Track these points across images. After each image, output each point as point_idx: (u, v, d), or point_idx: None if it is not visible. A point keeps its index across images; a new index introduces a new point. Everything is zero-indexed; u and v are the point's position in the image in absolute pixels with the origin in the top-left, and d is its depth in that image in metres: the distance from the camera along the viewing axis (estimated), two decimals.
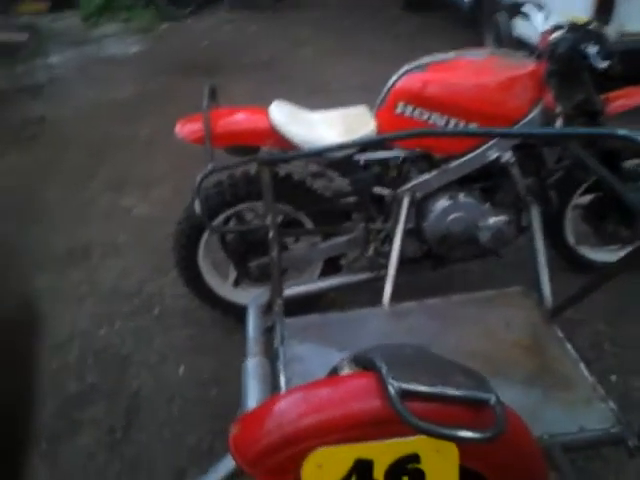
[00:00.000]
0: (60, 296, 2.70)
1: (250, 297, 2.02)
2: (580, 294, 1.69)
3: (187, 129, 2.01)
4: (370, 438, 1.04)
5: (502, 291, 2.00)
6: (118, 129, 4.32)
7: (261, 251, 2.15)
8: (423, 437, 1.02)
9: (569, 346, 1.73)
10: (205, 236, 2.21)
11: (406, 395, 1.03)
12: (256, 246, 2.16)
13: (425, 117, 1.97)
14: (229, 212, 2.16)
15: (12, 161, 4.03)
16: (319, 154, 1.94)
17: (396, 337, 1.84)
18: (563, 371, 1.68)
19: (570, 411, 1.54)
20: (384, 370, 1.07)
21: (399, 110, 1.99)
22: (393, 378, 1.05)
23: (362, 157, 2.04)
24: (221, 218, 2.16)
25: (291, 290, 2.07)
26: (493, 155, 2.00)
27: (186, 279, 2.30)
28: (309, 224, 2.21)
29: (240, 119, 2.05)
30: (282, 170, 2.10)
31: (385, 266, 2.08)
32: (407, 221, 2.08)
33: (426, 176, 2.05)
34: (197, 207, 1.89)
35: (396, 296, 1.95)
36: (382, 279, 2.04)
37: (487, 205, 2.08)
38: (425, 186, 2.06)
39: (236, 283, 2.38)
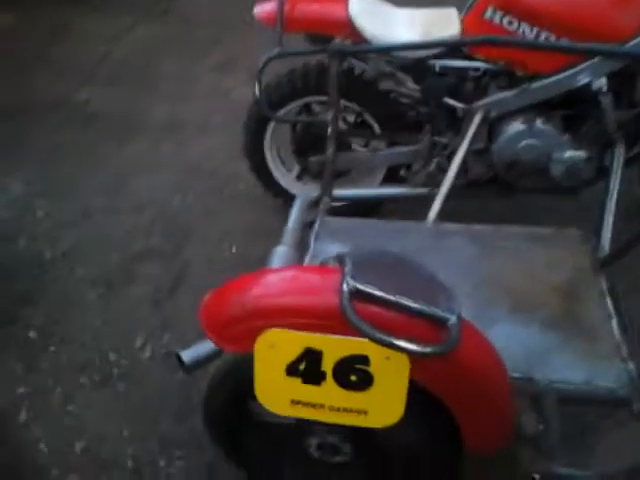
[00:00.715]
0: (147, 164, 2.89)
1: None
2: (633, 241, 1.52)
3: (263, 11, 1.98)
4: (321, 331, 1.05)
5: (558, 230, 1.84)
6: (240, 15, 4.33)
7: (323, 147, 2.13)
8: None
9: (609, 300, 1.58)
10: (272, 124, 2.22)
11: (359, 295, 1.02)
12: (319, 141, 2.13)
13: (514, 27, 1.78)
14: (299, 102, 2.14)
15: (139, 33, 4.22)
16: (390, 50, 1.84)
17: (429, 255, 1.75)
18: (592, 323, 1.54)
19: (582, 362, 1.43)
20: (347, 268, 1.06)
21: (487, 15, 1.81)
22: (352, 277, 1.03)
23: (438, 63, 1.91)
24: (290, 107, 2.15)
25: (341, 191, 2.05)
26: (584, 80, 1.78)
27: (252, 165, 2.36)
28: (377, 129, 2.15)
29: (317, 6, 1.98)
30: (355, 67, 2.02)
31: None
32: (476, 140, 1.95)
33: (505, 94, 1.88)
34: (257, 90, 1.88)
35: (450, 218, 1.86)
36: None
37: (566, 136, 1.89)
38: (502, 104, 1.90)
39: (299, 177, 2.39)
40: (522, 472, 1.23)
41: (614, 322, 1.52)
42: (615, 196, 1.75)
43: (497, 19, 1.79)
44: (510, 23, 1.78)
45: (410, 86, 1.99)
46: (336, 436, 1.30)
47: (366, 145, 2.32)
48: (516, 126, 1.90)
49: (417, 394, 1.11)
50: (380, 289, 1.03)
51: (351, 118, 2.26)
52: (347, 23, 1.87)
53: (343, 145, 2.19)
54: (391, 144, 2.16)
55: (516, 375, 1.36)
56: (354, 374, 1.08)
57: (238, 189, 2.69)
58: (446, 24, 1.90)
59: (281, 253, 1.76)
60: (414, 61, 1.90)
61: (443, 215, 1.89)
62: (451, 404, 1.13)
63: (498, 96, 1.88)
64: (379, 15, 1.92)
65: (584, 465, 1.23)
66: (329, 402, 1.12)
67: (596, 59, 1.74)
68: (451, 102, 1.96)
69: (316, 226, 1.89)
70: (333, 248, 1.85)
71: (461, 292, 1.55)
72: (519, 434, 1.24)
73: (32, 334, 2.05)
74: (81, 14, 4.44)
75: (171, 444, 1.68)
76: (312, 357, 1.08)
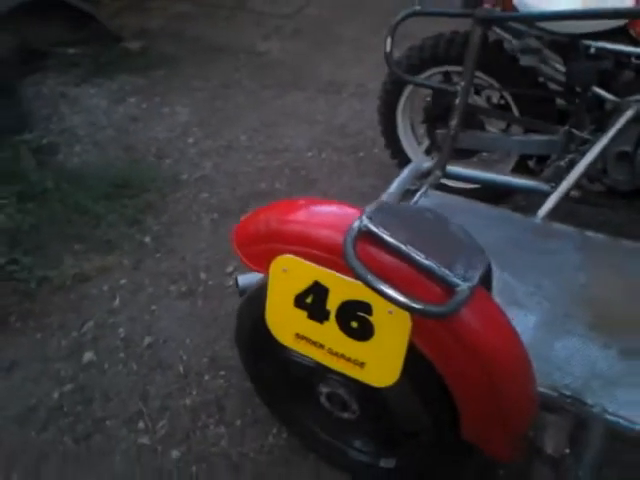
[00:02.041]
0: (298, 115, 2.99)
1: None
2: None
3: None
4: (331, 267, 1.02)
5: None
6: None
7: None
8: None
9: None
10: (408, 90, 2.16)
11: (369, 237, 0.96)
12: (449, 113, 2.02)
13: None
14: (439, 69, 2.05)
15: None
16: (541, 20, 1.67)
17: (526, 251, 1.62)
18: None
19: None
20: (368, 209, 1.00)
21: None
22: (368, 217, 0.98)
23: (594, 44, 1.68)
24: (431, 73, 2.07)
25: (455, 168, 1.93)
26: None
27: (383, 129, 2.33)
28: (516, 112, 1.97)
29: None
30: (503, 40, 1.87)
31: (577, 187, 1.79)
32: (622, 141, 1.71)
33: None
34: (387, 46, 1.83)
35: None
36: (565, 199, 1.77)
37: None
38: None
39: (427, 151, 2.30)
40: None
41: None
42: None
43: None
44: None
45: (557, 67, 1.78)
46: (346, 391, 1.26)
47: (504, 131, 2.15)
48: None
49: (420, 362, 1.03)
50: (394, 237, 0.96)
51: (495, 99, 2.10)
52: None
53: (476, 123, 2.06)
54: (528, 131, 1.97)
55: (567, 393, 1.20)
56: (356, 321, 1.03)
57: (372, 152, 2.68)
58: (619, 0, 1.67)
59: None
60: (567, 38, 1.70)
61: (563, 217, 1.69)
62: (450, 380, 1.02)
63: None
64: None
65: None
66: (329, 344, 1.09)
67: None
68: (601, 92, 1.72)
69: (417, 195, 1.81)
70: None
71: (544, 295, 1.41)
72: (538, 450, 1.09)
73: (147, 239, 2.26)
74: None
75: (219, 363, 1.76)
76: (319, 292, 1.05)
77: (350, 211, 1.05)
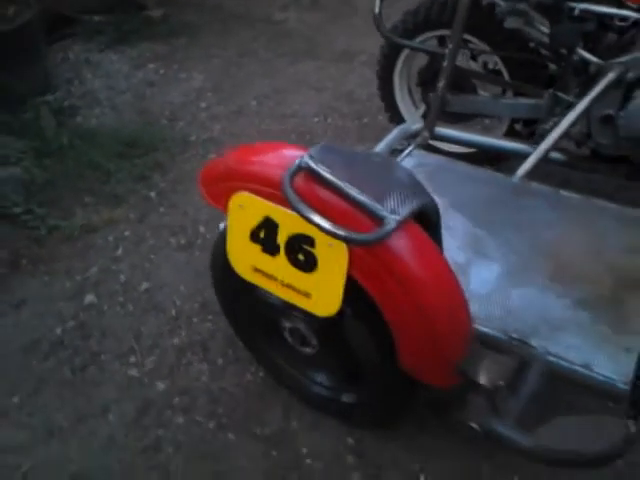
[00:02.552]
0: (309, 82, 3.06)
1: None
2: None
3: None
4: (278, 202, 1.10)
5: None
6: None
7: None
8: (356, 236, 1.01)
9: None
10: (405, 53, 2.20)
11: (309, 174, 1.05)
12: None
13: None
14: (434, 33, 2.08)
15: None
16: None
17: (503, 208, 1.67)
18: (630, 316, 1.33)
19: (593, 347, 1.26)
20: (312, 149, 1.08)
21: None
22: (310, 156, 1.06)
23: (579, 6, 1.70)
24: (425, 37, 2.10)
25: (442, 130, 1.98)
26: None
27: (381, 94, 2.38)
28: (506, 76, 2.00)
29: None
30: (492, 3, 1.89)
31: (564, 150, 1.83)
32: (605, 104, 1.72)
33: None
34: (376, 8, 1.88)
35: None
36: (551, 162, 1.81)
37: None
38: None
39: (424, 116, 2.34)
40: (461, 417, 1.15)
41: None
42: None
43: None
44: None
45: (543, 30, 1.80)
46: (306, 326, 1.35)
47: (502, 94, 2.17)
48: None
49: (360, 293, 1.11)
50: (332, 173, 1.04)
51: (491, 64, 2.13)
52: None
53: (469, 87, 2.09)
54: (518, 95, 2.00)
55: (514, 336, 1.28)
56: (302, 253, 1.12)
57: (377, 118, 2.73)
58: None
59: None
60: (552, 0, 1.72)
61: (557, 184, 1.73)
62: (384, 309, 1.10)
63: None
64: None
65: (527, 432, 1.11)
66: (281, 276, 1.18)
67: None
68: (585, 54, 1.74)
69: (403, 154, 1.87)
70: None
71: (511, 248, 1.47)
72: (474, 380, 1.16)
73: (152, 194, 2.38)
74: None
75: (209, 308, 1.87)
76: (270, 227, 1.15)
77: (298, 152, 1.13)
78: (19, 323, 1.89)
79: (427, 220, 1.13)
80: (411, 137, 1.95)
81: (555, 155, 1.88)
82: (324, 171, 1.04)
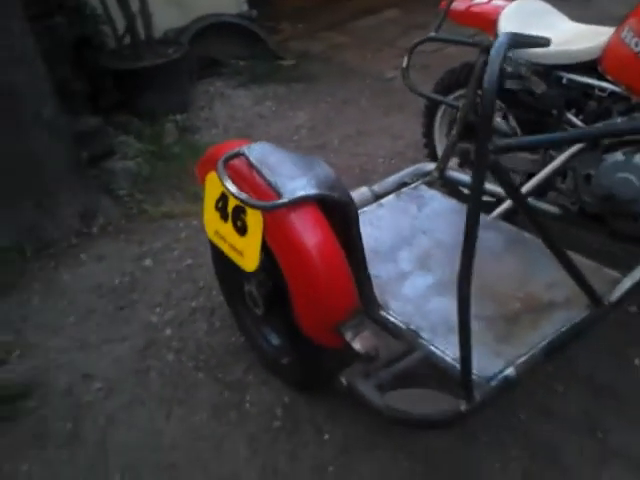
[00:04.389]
0: (391, 132, 3.45)
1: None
2: None
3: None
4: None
5: (599, 268, 1.71)
6: None
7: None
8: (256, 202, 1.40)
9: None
10: (442, 109, 2.51)
11: (242, 159, 1.45)
12: (471, 129, 2.33)
13: (636, 49, 1.69)
14: (462, 92, 2.37)
15: None
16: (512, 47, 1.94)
17: (459, 234, 1.90)
18: (518, 337, 1.51)
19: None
20: (253, 144, 1.49)
21: (623, 35, 1.76)
22: (248, 147, 1.47)
23: (566, 76, 1.92)
24: (457, 94, 2.40)
25: (453, 173, 2.25)
26: None
27: (425, 142, 2.69)
28: (519, 132, 2.23)
29: (483, 4, 2.17)
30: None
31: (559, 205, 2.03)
32: (588, 164, 1.90)
33: (618, 120, 1.78)
34: (404, 62, 2.24)
35: None
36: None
37: None
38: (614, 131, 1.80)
39: (460, 164, 2.60)
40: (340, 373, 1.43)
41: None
42: None
43: (628, 39, 1.72)
44: (637, 44, 1.69)
45: (538, 93, 2.02)
46: (255, 288, 1.71)
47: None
48: (616, 156, 1.78)
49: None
50: (259, 161, 1.43)
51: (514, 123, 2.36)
52: (494, 22, 2.05)
53: None
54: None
55: (412, 328, 1.54)
56: (239, 220, 1.52)
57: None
58: (593, 38, 1.88)
59: (360, 191, 2.16)
60: (544, 68, 1.96)
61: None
62: (285, 272, 1.43)
63: (612, 122, 1.80)
64: (529, 19, 2.01)
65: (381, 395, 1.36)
66: (229, 239, 1.59)
67: None
68: (571, 117, 1.94)
69: (409, 187, 2.19)
70: (399, 204, 2.14)
71: (449, 266, 1.72)
72: (349, 345, 1.43)
73: None
74: None
75: None
76: (224, 199, 1.56)
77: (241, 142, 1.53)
78: (94, 271, 2.48)
79: (339, 210, 1.45)
80: (422, 175, 2.25)
81: (544, 207, 2.07)
82: (253, 158, 1.43)
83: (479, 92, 2.20)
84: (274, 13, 5.83)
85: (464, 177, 2.30)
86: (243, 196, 1.36)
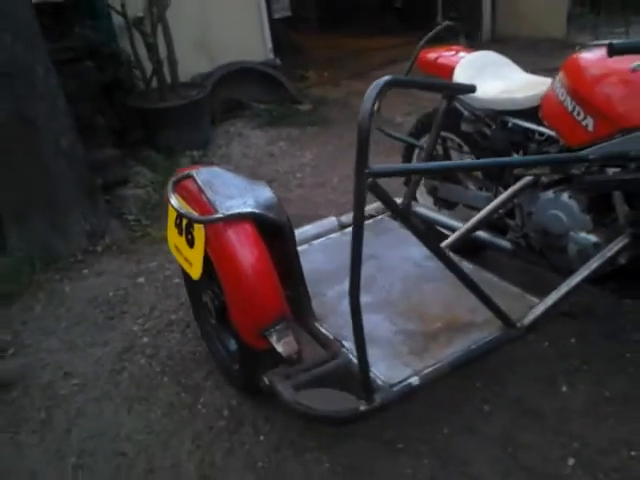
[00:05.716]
0: None
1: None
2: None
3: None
4: None
5: (522, 294, 1.84)
6: None
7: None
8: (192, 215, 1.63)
9: None
10: (417, 150, 2.70)
11: (193, 183, 1.68)
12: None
13: (562, 98, 1.85)
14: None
15: None
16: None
17: (408, 263, 2.08)
18: (430, 350, 1.66)
19: (386, 358, 1.65)
20: (202, 167, 1.72)
21: (555, 85, 1.92)
22: (196, 171, 1.70)
23: (511, 120, 2.09)
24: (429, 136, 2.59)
25: (419, 209, 2.43)
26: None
27: (404, 180, 2.87)
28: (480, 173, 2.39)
29: (443, 54, 2.38)
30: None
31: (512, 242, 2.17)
32: (531, 202, 2.05)
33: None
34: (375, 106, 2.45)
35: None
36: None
37: (587, 217, 1.81)
38: (548, 173, 1.95)
39: (435, 202, 2.76)
40: (260, 373, 1.60)
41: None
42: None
43: (558, 90, 1.88)
44: (561, 94, 1.85)
45: (489, 135, 2.19)
46: (210, 299, 1.92)
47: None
48: (549, 194, 1.92)
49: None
50: (204, 182, 1.66)
51: None
52: (451, 70, 2.25)
53: (452, 177, 2.50)
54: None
55: (339, 338, 1.70)
56: (189, 234, 1.74)
57: None
58: (535, 88, 2.05)
59: (329, 220, 2.37)
60: (494, 113, 2.13)
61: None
62: (222, 280, 1.63)
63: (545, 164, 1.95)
64: (483, 69, 2.20)
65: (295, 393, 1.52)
66: (183, 251, 1.81)
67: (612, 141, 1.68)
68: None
69: (372, 220, 2.38)
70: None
71: (388, 290, 1.92)
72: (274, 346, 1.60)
73: None
74: None
75: None
76: (180, 216, 1.78)
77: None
78: (93, 285, 2.74)
79: (277, 230, 1.66)
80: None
81: (499, 242, 2.20)
82: (200, 180, 1.66)
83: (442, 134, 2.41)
84: (305, 61, 6.23)
85: (426, 211, 2.47)
86: (183, 210, 1.59)
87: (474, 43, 7.49)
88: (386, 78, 1.43)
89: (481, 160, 2.21)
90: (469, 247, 2.37)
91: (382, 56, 6.33)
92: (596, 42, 1.85)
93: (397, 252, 2.14)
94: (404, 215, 1.66)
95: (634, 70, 1.55)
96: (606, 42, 1.57)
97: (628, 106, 1.62)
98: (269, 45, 5.12)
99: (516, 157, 2.01)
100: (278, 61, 5.11)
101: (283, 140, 4.33)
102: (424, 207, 2.50)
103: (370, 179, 1.36)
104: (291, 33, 7.19)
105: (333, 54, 6.63)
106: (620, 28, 6.34)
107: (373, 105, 1.33)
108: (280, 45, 5.65)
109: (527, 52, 5.46)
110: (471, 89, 2.06)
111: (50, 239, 2.87)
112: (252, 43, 4.98)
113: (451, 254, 2.09)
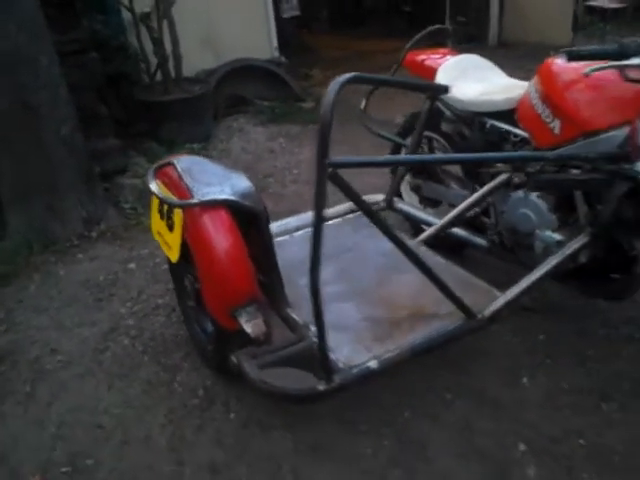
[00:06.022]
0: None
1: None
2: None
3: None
4: None
5: (490, 289, 1.91)
6: None
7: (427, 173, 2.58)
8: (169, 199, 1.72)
9: None
10: (404, 149, 2.77)
11: (171, 168, 1.76)
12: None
13: (534, 102, 1.92)
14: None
15: None
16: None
17: (379, 255, 2.15)
18: (393, 336, 1.73)
19: (350, 342, 1.72)
20: (184, 155, 1.81)
21: (529, 89, 1.99)
22: (177, 158, 1.79)
23: (489, 121, 2.16)
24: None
25: (400, 205, 2.50)
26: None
27: (391, 177, 2.94)
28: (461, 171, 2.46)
29: (430, 56, 2.45)
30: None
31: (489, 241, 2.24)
32: (503, 201, 2.11)
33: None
34: (363, 103, 2.53)
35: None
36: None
37: (554, 216, 1.88)
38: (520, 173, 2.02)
39: (420, 201, 2.83)
40: (229, 351, 1.69)
41: None
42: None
43: (532, 94, 1.95)
44: (535, 98, 1.92)
45: (466, 135, 2.26)
46: (189, 282, 2.00)
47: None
48: (519, 193, 1.99)
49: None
50: (183, 170, 1.74)
51: None
52: (435, 71, 2.32)
53: (435, 176, 2.57)
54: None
55: (307, 324, 1.77)
56: (170, 219, 1.83)
57: None
58: (512, 91, 2.11)
59: (309, 213, 2.44)
60: (473, 114, 2.20)
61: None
62: (197, 264, 1.71)
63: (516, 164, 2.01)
64: (465, 71, 2.26)
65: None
66: (164, 235, 1.89)
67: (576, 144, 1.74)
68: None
69: (353, 214, 2.46)
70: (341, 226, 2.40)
71: (359, 281, 1.99)
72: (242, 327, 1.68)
73: None
74: None
75: None
76: (162, 202, 1.87)
77: None
78: (86, 268, 2.84)
79: (252, 218, 1.73)
80: (372, 205, 2.51)
81: (475, 240, 2.27)
82: (179, 167, 1.75)
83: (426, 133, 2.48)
84: (312, 60, 6.32)
85: (407, 208, 2.54)
86: (161, 195, 1.67)
87: (481, 47, 7.58)
88: (349, 75, 1.50)
89: (431, 155, 2.26)
90: (452, 245, 2.46)
91: (388, 58, 6.36)
92: (567, 49, 1.91)
93: (373, 246, 2.21)
94: (367, 208, 1.72)
95: (586, 75, 1.61)
96: (574, 49, 1.65)
97: (589, 111, 1.69)
98: (274, 43, 5.22)
99: (474, 154, 2.05)
100: (283, 59, 5.20)
101: (283, 137, 4.41)
102: (405, 204, 2.57)
103: (330, 169, 1.43)
104: (302, 32, 7.29)
105: (340, 54, 6.71)
106: (628, 37, 6.35)
107: (334, 99, 1.40)
108: (289, 44, 5.75)
109: (531, 58, 5.51)
110: (444, 89, 2.13)
111: (48, 223, 2.98)
112: (258, 41, 5.08)
113: (425, 249, 2.18)
